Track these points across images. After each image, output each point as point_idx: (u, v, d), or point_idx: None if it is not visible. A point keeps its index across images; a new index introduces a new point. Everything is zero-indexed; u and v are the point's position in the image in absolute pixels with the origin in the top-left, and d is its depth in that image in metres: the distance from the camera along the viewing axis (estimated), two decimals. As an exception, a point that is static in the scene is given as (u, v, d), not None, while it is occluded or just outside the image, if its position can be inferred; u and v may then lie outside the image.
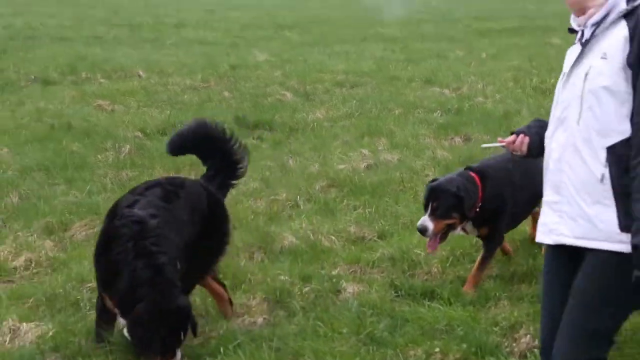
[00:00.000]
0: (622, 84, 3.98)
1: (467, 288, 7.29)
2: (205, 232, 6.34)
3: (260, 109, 15.51)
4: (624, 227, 3.95)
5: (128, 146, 12.45)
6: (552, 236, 4.32)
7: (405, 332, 6.70)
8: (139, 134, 13.33)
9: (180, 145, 7.05)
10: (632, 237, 3.89)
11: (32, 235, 8.87)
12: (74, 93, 16.86)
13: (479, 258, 7.41)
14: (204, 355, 6.37)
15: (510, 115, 14.98)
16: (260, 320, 6.96)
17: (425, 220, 6.76)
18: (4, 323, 6.57)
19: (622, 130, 4.00)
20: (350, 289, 7.58)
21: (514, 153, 4.87)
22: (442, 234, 6.94)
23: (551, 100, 4.76)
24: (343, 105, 16.28)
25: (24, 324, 6.49)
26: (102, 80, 18.41)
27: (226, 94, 17.16)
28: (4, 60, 20.51)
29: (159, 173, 11.24)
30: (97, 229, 8.83)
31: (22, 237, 8.72)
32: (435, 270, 8.19)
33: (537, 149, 4.73)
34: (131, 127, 13.68)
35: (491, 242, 7.38)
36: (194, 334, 5.87)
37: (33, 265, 8.12)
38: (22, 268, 8.00)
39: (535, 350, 6.55)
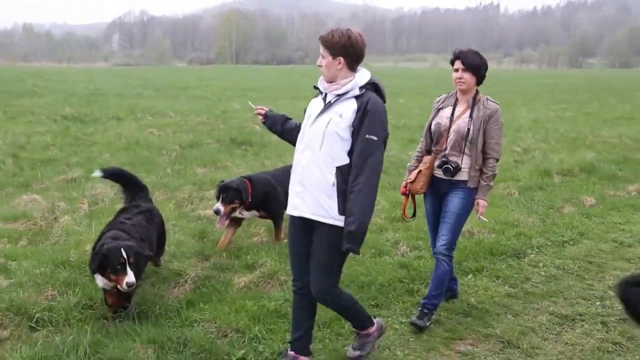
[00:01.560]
0: (347, 134, 4.11)
1: (276, 240, 7.21)
2: (160, 231, 6.00)
3: (243, 134, 15.52)
4: (341, 212, 4.11)
5: (174, 153, 12.61)
6: (297, 212, 4.33)
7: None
8: (177, 147, 13.37)
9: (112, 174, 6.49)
10: (347, 225, 4.06)
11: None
12: (135, 125, 16.87)
13: (274, 229, 7.31)
14: (241, 255, 6.63)
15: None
16: (265, 239, 7.36)
17: (218, 205, 6.63)
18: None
19: (345, 158, 4.12)
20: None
21: (260, 117, 4.75)
22: (228, 215, 6.73)
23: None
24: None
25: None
26: (149, 118, 18.33)
27: (222, 126, 17.18)
28: (90, 106, 20.15)
29: (194, 167, 11.47)
30: (168, 195, 9.38)
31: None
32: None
33: (270, 123, 4.71)
34: (172, 143, 13.74)
35: (274, 217, 7.23)
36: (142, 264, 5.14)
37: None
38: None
39: (409, 252, 7.00)
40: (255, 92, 32.04)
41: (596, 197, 10.00)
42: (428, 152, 5.41)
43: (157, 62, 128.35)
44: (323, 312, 5.38)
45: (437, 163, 5.29)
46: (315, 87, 4.38)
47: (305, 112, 4.46)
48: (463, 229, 7.38)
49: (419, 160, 5.48)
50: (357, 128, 4.09)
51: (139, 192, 6.20)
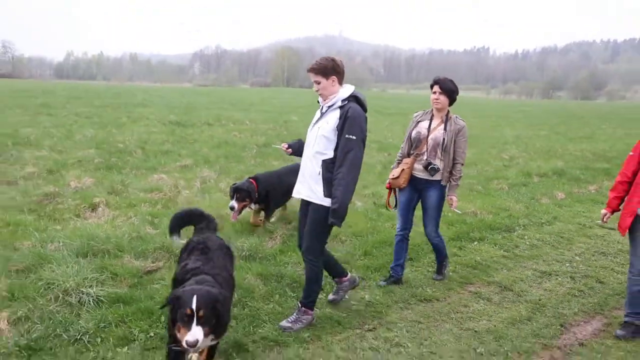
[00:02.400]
0: (333, 136, 4.05)
1: (260, 222, 6.76)
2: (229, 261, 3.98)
3: (302, 137, 15.40)
4: (326, 195, 4.06)
5: (254, 150, 12.69)
6: (299, 195, 4.32)
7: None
8: (255, 145, 13.39)
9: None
10: (332, 204, 4.03)
11: (231, 179, 8.94)
12: (222, 129, 16.89)
13: (263, 216, 6.80)
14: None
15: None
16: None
17: (233, 203, 6.29)
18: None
19: (330, 154, 4.07)
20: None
21: (287, 152, 4.97)
22: (240, 210, 6.40)
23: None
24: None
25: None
26: (232, 124, 18.27)
27: (285, 132, 16.99)
28: (187, 115, 20.22)
29: (270, 160, 11.45)
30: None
31: (229, 179, 8.89)
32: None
33: (296, 152, 4.87)
34: (252, 143, 13.79)
35: (268, 210, 6.76)
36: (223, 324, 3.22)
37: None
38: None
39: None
40: (303, 108, 31.86)
41: (565, 193, 10.10)
42: (408, 155, 5.24)
43: (228, 84, 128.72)
44: (375, 260, 5.84)
45: (421, 164, 5.12)
46: (318, 102, 4.32)
47: None
48: (470, 211, 7.79)
49: (399, 162, 5.30)
50: (340, 130, 4.04)
51: (210, 223, 4.38)
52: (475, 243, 6.79)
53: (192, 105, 27.44)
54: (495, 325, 4.53)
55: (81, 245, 5.33)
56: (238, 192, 6.44)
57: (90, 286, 4.49)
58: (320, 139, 4.11)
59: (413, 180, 5.18)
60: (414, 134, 5.18)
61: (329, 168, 4.08)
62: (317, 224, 4.19)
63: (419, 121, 5.24)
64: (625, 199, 4.54)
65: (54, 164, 9.61)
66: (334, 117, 4.11)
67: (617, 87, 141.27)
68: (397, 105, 41.73)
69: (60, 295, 4.32)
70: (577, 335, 4.49)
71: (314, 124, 4.26)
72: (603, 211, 4.69)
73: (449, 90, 5.05)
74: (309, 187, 4.20)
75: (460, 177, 5.15)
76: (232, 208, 6.38)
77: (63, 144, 11.98)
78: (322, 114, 4.19)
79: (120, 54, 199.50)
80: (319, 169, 4.12)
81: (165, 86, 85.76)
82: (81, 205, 7.07)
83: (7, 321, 3.95)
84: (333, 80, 4.15)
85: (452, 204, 5.15)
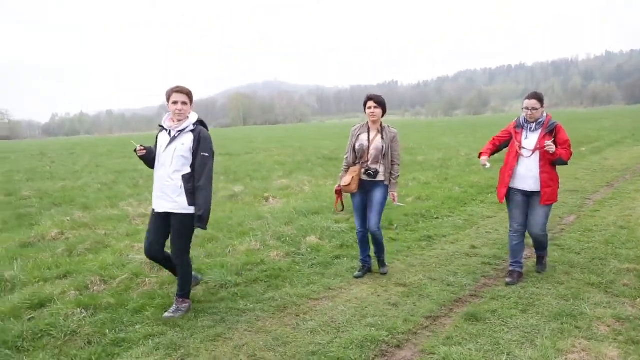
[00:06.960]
0: (189, 154, 3.85)
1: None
2: None
3: (322, 154, 16.41)
4: (190, 204, 3.85)
5: (308, 163, 14.96)
6: (161, 208, 3.92)
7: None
8: (301, 161, 15.35)
9: None
10: (197, 212, 3.83)
11: (314, 178, 11.30)
12: (262, 155, 17.97)
13: None
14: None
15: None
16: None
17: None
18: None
19: (187, 169, 3.86)
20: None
21: (140, 152, 4.03)
22: None
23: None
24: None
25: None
26: (263, 152, 19.85)
27: (289, 157, 17.98)
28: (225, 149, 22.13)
29: (299, 168, 13.71)
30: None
31: (307, 178, 11.10)
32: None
33: (148, 155, 4.06)
34: (295, 160, 14.92)
35: None
36: None
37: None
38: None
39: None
40: (264, 142, 30.61)
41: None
42: (354, 164, 4.93)
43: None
44: (439, 215, 8.50)
45: (362, 171, 4.86)
46: (160, 126, 4.05)
47: (156, 140, 4.08)
48: (475, 181, 10.24)
49: (346, 171, 4.99)
50: (196, 150, 3.89)
51: None
52: (489, 195, 9.03)
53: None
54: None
55: (285, 217, 7.48)
56: None
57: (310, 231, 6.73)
58: (178, 159, 3.88)
59: (361, 184, 4.90)
60: (357, 146, 4.88)
61: (188, 181, 3.88)
62: (184, 229, 3.95)
63: (358, 134, 4.92)
64: (499, 175, 4.79)
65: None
66: (188, 139, 3.91)
67: (498, 103, 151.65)
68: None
69: (306, 237, 6.25)
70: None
71: (166, 146, 3.94)
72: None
73: (382, 103, 4.81)
74: (172, 201, 3.90)
75: (398, 175, 4.94)
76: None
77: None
78: (174, 138, 3.94)
79: (98, 112, 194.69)
80: (180, 183, 3.88)
81: (142, 134, 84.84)
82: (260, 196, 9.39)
83: (315, 237, 6.29)
84: (192, 107, 4.04)
85: (394, 200, 4.94)
